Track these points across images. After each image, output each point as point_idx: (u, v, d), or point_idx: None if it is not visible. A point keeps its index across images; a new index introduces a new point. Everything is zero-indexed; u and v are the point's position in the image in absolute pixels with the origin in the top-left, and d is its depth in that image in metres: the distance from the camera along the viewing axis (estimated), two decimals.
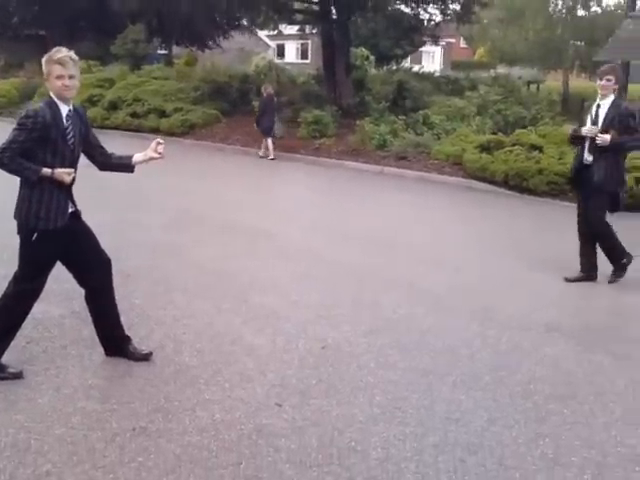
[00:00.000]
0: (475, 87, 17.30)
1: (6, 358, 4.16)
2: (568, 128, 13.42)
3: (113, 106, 19.48)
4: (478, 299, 5.89)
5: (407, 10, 19.33)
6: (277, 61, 33.72)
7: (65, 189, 4.04)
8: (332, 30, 18.44)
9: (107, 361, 4.41)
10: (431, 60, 46.80)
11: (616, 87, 6.13)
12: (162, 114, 18.32)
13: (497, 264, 7.10)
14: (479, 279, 6.52)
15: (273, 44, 45.10)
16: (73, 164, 4.06)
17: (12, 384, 4.05)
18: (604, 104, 6.11)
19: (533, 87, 23.85)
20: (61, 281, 5.84)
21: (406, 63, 29.90)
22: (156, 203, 9.53)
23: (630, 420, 3.88)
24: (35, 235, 3.97)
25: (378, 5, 17.60)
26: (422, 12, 19.20)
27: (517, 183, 10.87)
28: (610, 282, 6.38)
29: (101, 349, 4.49)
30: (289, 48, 47.64)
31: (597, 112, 6.14)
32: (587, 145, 6.17)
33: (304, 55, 46.18)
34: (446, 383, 4.29)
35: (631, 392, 4.24)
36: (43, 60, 3.93)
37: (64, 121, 3.94)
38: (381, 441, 3.56)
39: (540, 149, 11.19)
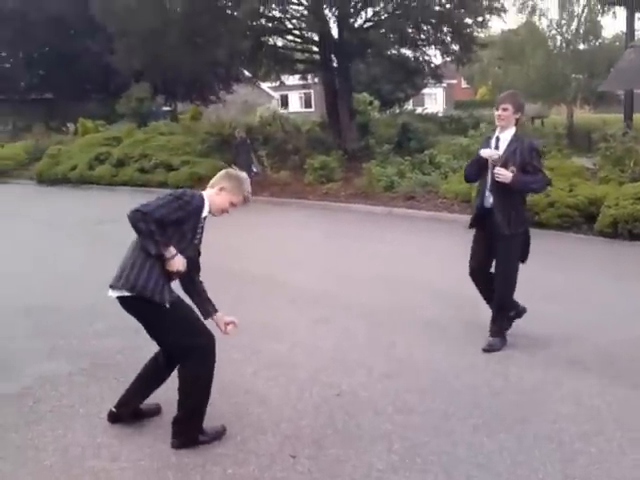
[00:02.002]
0: (478, 125, 17.33)
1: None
2: (576, 161, 13.53)
3: (121, 163, 19.64)
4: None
5: (408, 53, 19.55)
6: (281, 111, 34.20)
7: (176, 277, 3.94)
8: (334, 77, 18.65)
9: None
10: (434, 102, 47.24)
11: (517, 117, 5.29)
12: (169, 168, 18.45)
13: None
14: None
15: (276, 95, 45.71)
16: (188, 263, 3.91)
17: (20, 446, 3.93)
18: (504, 137, 5.27)
19: (538, 122, 23.94)
20: (69, 337, 5.84)
21: (409, 106, 30.20)
22: None
23: None
24: (167, 304, 3.79)
25: (378, 50, 17.79)
26: (422, 54, 19.39)
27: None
28: (486, 350, 5.37)
29: (109, 404, 4.35)
30: (292, 98, 48.34)
31: (497, 145, 5.29)
32: (488, 183, 5.31)
33: (307, 104, 46.82)
34: (467, 426, 4.12)
35: None
36: (231, 176, 3.98)
37: (202, 219, 3.93)
38: None
39: (549, 182, 11.07)
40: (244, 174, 4.05)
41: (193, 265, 4.04)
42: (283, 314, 6.54)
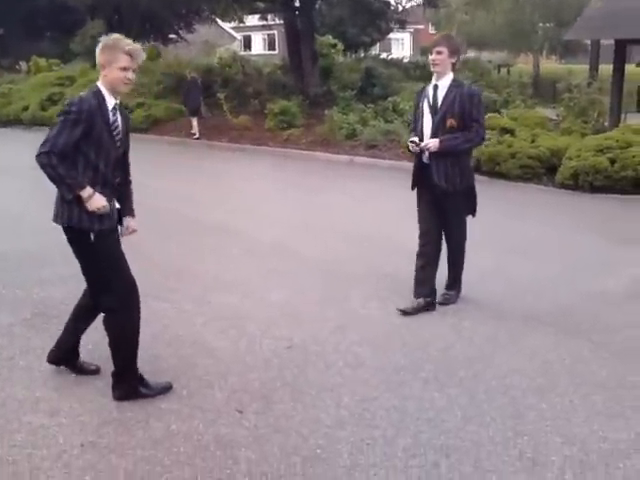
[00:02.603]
0: None
1: None
2: (540, 111, 13.42)
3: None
4: None
5: None
6: (244, 53, 33.31)
7: (110, 188, 3.65)
8: (296, 18, 18.11)
9: (57, 371, 4.09)
10: (400, 47, 46.57)
11: (454, 61, 4.92)
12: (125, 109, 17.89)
13: (470, 252, 6.88)
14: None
15: (239, 36, 44.56)
16: (118, 164, 3.69)
17: None
18: (442, 84, 4.89)
19: (503, 71, 23.75)
20: (12, 286, 5.60)
21: (375, 51, 29.65)
22: None
23: (613, 412, 3.67)
24: (92, 236, 3.56)
25: None
26: None
27: (489, 168, 10.68)
28: (441, 303, 5.22)
29: None
30: (256, 40, 47.10)
31: (435, 94, 4.91)
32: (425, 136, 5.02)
33: (271, 46, 45.70)
34: (418, 380, 4.05)
35: (613, 381, 4.04)
36: (103, 46, 3.55)
37: (110, 113, 3.54)
38: (348, 447, 3.32)
39: (512, 132, 11.01)
40: (112, 37, 3.62)
41: (123, 163, 3.82)
42: (236, 265, 6.38)
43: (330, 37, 21.87)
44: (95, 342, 4.22)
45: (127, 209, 3.91)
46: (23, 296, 5.37)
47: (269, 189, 10.70)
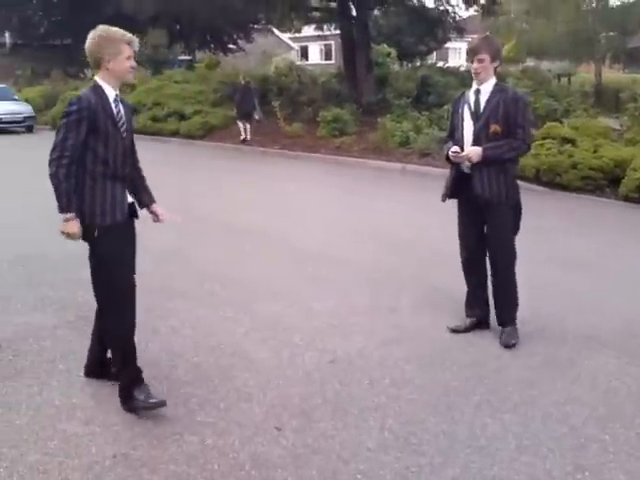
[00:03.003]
0: (503, 80, 16.67)
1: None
2: (603, 121, 12.92)
3: (133, 110, 19.27)
4: None
5: (429, 4, 18.78)
6: (300, 63, 33.43)
7: (121, 180, 3.59)
8: (352, 27, 17.97)
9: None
10: (458, 57, 45.95)
11: (496, 65, 4.51)
12: (182, 117, 18.05)
13: (527, 267, 6.57)
14: None
15: (296, 46, 44.88)
16: (126, 154, 3.59)
17: None
18: (485, 89, 4.49)
19: (564, 80, 23.11)
20: (58, 288, 5.56)
21: (432, 60, 29.32)
22: (162, 204, 9.13)
23: None
24: (96, 232, 3.50)
25: None
26: (445, 5, 18.60)
27: (549, 179, 10.28)
28: (507, 345, 4.55)
29: None
30: (312, 50, 47.34)
31: (477, 99, 4.50)
32: (466, 142, 4.58)
33: (328, 56, 45.78)
34: (469, 403, 3.79)
35: None
36: (101, 41, 3.50)
37: (112, 105, 3.50)
38: (392, 474, 3.08)
39: (573, 142, 10.59)
40: (103, 30, 3.56)
41: (131, 151, 3.71)
42: (282, 272, 6.22)
43: (386, 46, 21.69)
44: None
45: (147, 198, 3.86)
46: (69, 298, 5.31)
47: (319, 196, 10.53)
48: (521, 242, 4.76)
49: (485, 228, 4.65)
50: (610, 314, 5.22)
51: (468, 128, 4.56)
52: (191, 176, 12.33)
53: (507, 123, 4.42)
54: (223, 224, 8.14)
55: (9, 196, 9.81)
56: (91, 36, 3.55)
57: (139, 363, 3.75)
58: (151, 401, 3.61)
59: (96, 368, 3.95)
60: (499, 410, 3.72)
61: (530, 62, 25.92)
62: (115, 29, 3.57)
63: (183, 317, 5.01)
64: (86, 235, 3.53)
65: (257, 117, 16.56)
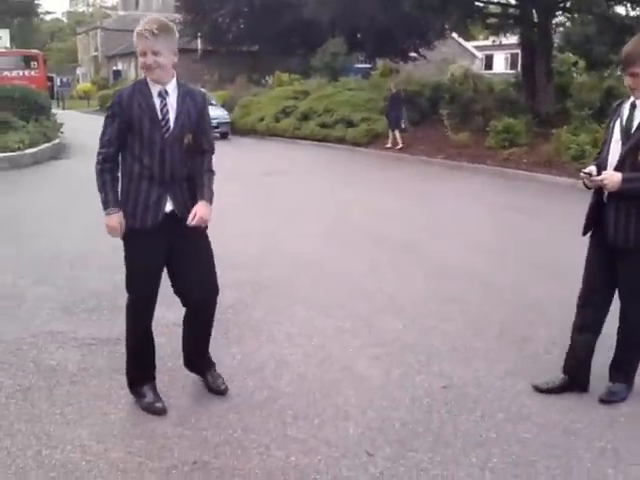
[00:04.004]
0: None
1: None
2: None
3: (305, 117, 19.77)
4: None
5: (620, 10, 17.40)
6: (485, 72, 32.56)
7: (159, 184, 3.36)
8: (532, 34, 17.11)
9: (201, 378, 3.99)
10: None
11: None
12: (349, 124, 18.21)
13: None
14: None
15: (480, 54, 43.93)
16: (166, 154, 3.33)
17: (94, 395, 3.78)
18: None
19: None
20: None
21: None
22: (311, 211, 9.18)
23: None
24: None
25: (582, 4, 15.94)
26: (638, 11, 17.14)
27: None
28: (604, 400, 3.82)
29: None
30: (497, 58, 46.04)
31: (632, 115, 3.58)
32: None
33: (513, 65, 44.25)
34: (592, 449, 3.33)
35: None
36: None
37: (156, 100, 3.31)
38: None
39: None
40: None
41: (196, 148, 3.46)
42: (413, 287, 5.94)
43: (571, 55, 20.47)
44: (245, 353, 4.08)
45: (199, 195, 3.46)
46: None
47: (477, 211, 10.04)
48: None
49: (616, 275, 3.78)
50: None
51: (615, 148, 3.66)
52: (343, 182, 12.34)
53: None
54: (366, 232, 7.99)
55: None
56: None
57: (244, 364, 3.71)
58: (157, 405, 3.59)
59: (189, 363, 3.94)
60: (625, 461, 3.22)
61: None
62: (142, 21, 3.30)
63: (301, 325, 4.92)
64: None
65: (403, 125, 16.79)
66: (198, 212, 3.37)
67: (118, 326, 4.67)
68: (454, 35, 30.48)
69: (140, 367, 3.69)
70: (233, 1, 32.40)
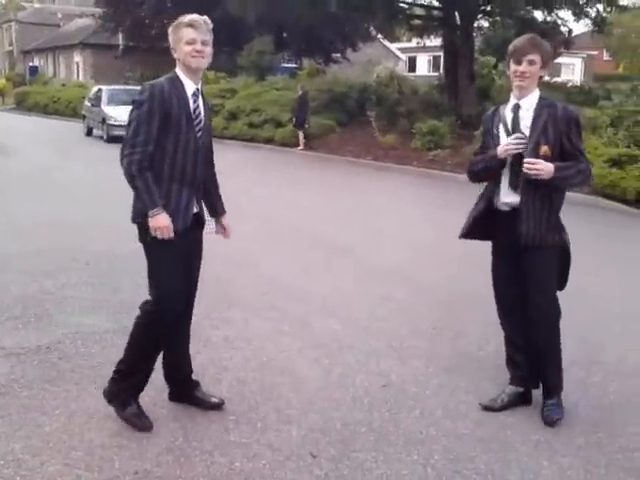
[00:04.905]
0: (608, 98, 15.80)
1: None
2: None
3: (233, 116, 19.59)
4: (586, 336, 4.93)
5: (538, 15, 18.07)
6: (408, 74, 33.12)
7: (189, 185, 3.32)
8: (455, 37, 17.55)
9: None
10: (570, 73, 44.28)
11: (543, 74, 3.65)
12: (278, 124, 18.18)
13: (611, 291, 6.06)
14: (591, 311, 5.52)
15: (404, 57, 44.59)
16: (198, 157, 3.32)
17: (26, 407, 3.64)
18: (527, 104, 3.59)
19: None
20: (121, 291, 5.56)
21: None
22: (243, 211, 9.11)
23: None
24: (150, 236, 3.25)
25: (503, 8, 16.47)
26: (554, 17, 17.85)
27: None
28: (546, 422, 3.65)
29: None
30: (421, 61, 46.91)
31: (516, 117, 3.60)
32: (507, 176, 3.65)
33: (436, 67, 45.24)
34: (527, 442, 3.45)
35: None
36: (171, 29, 3.30)
37: (190, 99, 3.27)
38: None
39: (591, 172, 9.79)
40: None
41: (207, 155, 3.48)
42: (348, 287, 6.00)
43: (491, 57, 21.10)
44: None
45: (220, 208, 3.69)
46: (128, 302, 5.27)
47: (402, 211, 10.20)
48: (610, 271, 4.33)
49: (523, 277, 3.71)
50: None
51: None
52: (273, 183, 12.32)
53: (560, 145, 3.54)
54: (298, 234, 8.00)
55: (97, 192, 10.08)
56: None
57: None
58: (142, 420, 3.43)
59: (170, 385, 3.72)
60: (558, 452, 3.37)
61: None
62: (186, 16, 3.30)
63: (238, 328, 4.89)
64: (140, 234, 3.33)
65: (307, 126, 17.25)
66: (227, 227, 3.72)
67: (48, 334, 4.57)
68: (379, 36, 30.78)
69: (136, 387, 3.50)
70: None
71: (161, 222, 3.19)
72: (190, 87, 3.29)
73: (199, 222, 3.52)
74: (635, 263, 7.08)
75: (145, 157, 3.18)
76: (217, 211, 3.68)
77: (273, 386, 4.00)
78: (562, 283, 3.74)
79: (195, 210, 3.43)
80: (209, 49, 3.28)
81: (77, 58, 40.10)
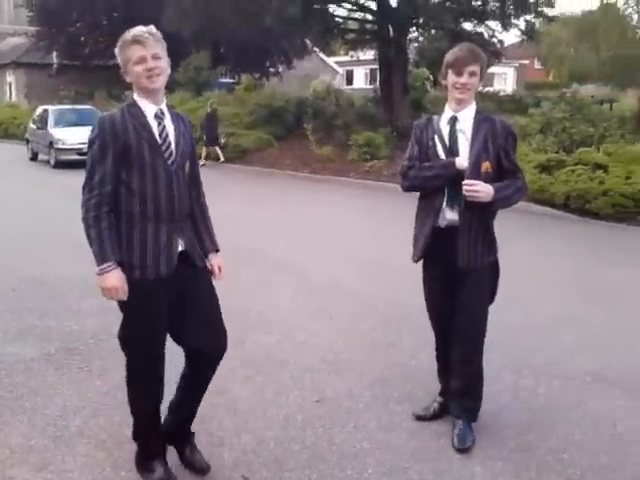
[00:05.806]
0: (539, 104, 16.28)
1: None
2: None
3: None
4: (516, 340, 5.02)
5: (468, 26, 18.52)
6: (346, 87, 33.40)
7: (168, 222, 2.90)
8: (389, 50, 17.81)
9: (63, 416, 3.79)
10: (503, 82, 45.42)
11: (480, 85, 3.57)
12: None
13: (544, 297, 6.19)
14: (523, 316, 5.62)
15: (342, 70, 45.01)
16: (173, 186, 2.89)
17: None
18: (464, 116, 3.46)
19: (607, 106, 22.46)
20: (47, 317, 5.39)
21: None
22: None
23: None
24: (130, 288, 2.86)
25: (434, 21, 16.83)
26: (483, 29, 18.32)
27: (579, 205, 9.86)
28: (457, 447, 3.50)
29: (60, 399, 3.93)
30: (358, 74, 47.44)
31: (453, 130, 3.48)
32: (446, 194, 3.49)
33: (373, 81, 45.80)
34: (459, 450, 3.47)
35: None
36: (117, 49, 2.91)
37: (151, 124, 2.88)
38: None
39: (605, 169, 10.15)
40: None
41: (190, 183, 3.08)
42: (284, 302, 5.97)
43: (425, 70, 21.52)
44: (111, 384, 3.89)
45: (209, 245, 3.19)
46: (55, 328, 5.15)
47: (338, 223, 10.24)
48: (551, 271, 4.42)
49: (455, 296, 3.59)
50: (623, 353, 4.83)
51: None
52: (208, 199, 12.21)
53: (499, 161, 3.43)
54: (231, 247, 7.93)
55: (30, 211, 9.81)
56: None
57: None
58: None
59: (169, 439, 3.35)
60: (491, 457, 3.40)
61: (576, 87, 25.37)
62: (130, 31, 2.90)
63: (172, 350, 4.78)
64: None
65: (223, 140, 17.72)
66: (221, 265, 3.20)
67: None
68: (317, 51, 31.03)
69: (154, 442, 3.22)
70: (90, 14, 31.23)
71: (109, 282, 2.80)
72: (151, 110, 2.89)
73: (187, 260, 3.02)
74: (567, 271, 7.26)
75: (103, 199, 2.80)
76: (205, 248, 3.18)
77: (206, 408, 3.88)
78: (492, 296, 3.66)
79: (181, 248, 2.98)
80: (163, 63, 2.88)
81: (9, 78, 39.09)
